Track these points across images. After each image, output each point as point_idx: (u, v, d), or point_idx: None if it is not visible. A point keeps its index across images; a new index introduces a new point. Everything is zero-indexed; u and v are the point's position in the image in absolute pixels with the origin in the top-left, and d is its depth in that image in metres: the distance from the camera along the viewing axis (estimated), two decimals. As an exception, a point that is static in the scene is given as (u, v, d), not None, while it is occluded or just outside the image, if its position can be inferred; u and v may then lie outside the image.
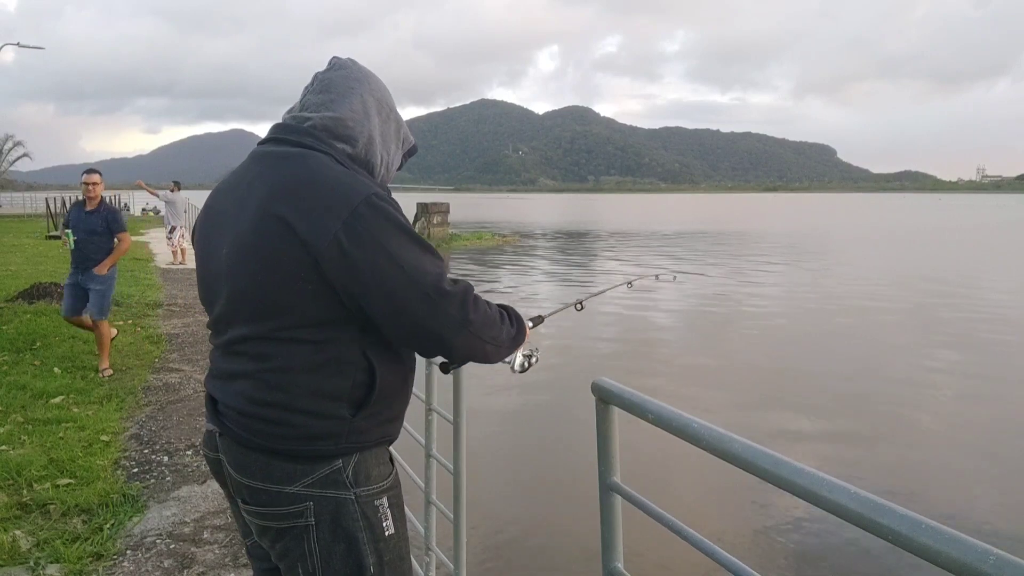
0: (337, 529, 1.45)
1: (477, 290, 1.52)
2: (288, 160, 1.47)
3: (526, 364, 1.91)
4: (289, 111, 1.61)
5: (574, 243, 34.63)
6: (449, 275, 1.46)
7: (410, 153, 1.77)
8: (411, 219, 25.63)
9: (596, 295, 3.19)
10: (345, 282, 1.37)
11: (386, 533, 1.50)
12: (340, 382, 1.44)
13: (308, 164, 1.45)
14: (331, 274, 1.37)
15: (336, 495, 1.45)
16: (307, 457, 1.44)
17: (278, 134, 1.54)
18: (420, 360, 2.96)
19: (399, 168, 1.73)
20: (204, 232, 1.58)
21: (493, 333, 1.52)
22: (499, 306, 1.61)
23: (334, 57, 1.64)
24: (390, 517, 1.52)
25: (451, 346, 1.45)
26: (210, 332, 1.60)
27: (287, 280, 1.39)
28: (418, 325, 1.40)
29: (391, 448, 1.65)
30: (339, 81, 1.58)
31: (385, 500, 1.52)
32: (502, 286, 18.22)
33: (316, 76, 1.61)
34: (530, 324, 1.85)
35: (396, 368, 1.53)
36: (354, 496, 1.46)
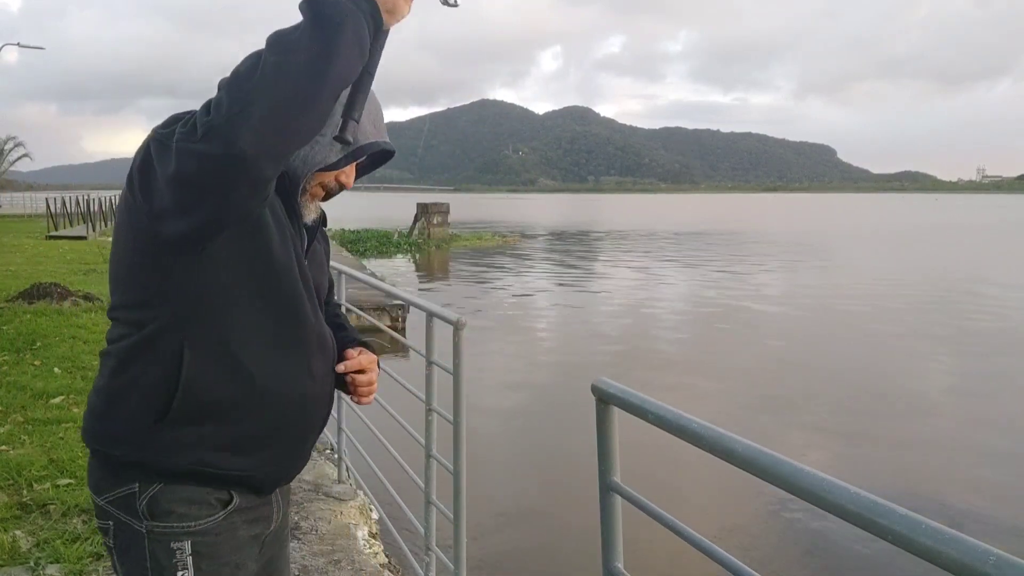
0: (126, 562, 1.24)
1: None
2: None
3: None
4: None
5: (574, 243, 34.62)
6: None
7: (360, 153, 1.33)
8: (411, 220, 25.19)
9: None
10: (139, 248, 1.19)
11: None
12: (147, 370, 1.19)
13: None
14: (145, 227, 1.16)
15: (130, 522, 1.22)
16: (112, 465, 1.23)
17: None
18: (419, 360, 2.96)
19: (336, 167, 1.32)
20: None
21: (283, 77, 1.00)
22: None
23: None
24: (190, 567, 1.22)
25: (239, 155, 1.00)
26: None
27: (121, 250, 1.23)
28: (192, 175, 1.04)
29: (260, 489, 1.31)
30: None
31: (187, 545, 1.22)
32: (502, 285, 18.22)
33: None
34: None
35: (232, 378, 1.21)
36: (145, 530, 1.21)
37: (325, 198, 1.38)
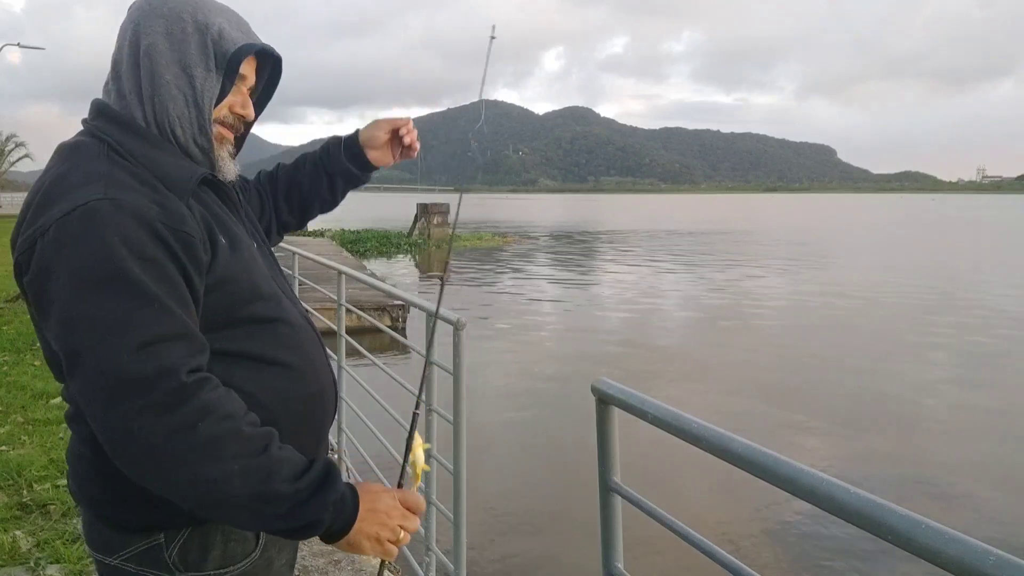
0: None
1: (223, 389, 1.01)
2: (52, 158, 1.12)
3: None
4: None
5: (574, 243, 34.62)
6: (192, 358, 0.98)
7: (232, 66, 1.14)
8: (411, 220, 24.97)
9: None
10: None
11: None
12: None
13: (57, 162, 1.08)
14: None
15: None
16: (118, 525, 1.11)
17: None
18: (419, 360, 2.97)
19: (223, 96, 1.15)
20: None
21: (207, 470, 0.95)
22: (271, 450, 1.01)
23: None
24: None
25: (124, 463, 0.97)
26: None
27: (30, 310, 1.08)
28: (92, 417, 0.97)
29: None
30: (123, 20, 1.15)
31: None
32: (503, 286, 18.23)
33: None
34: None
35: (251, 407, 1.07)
36: None
37: (234, 143, 1.23)
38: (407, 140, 1.48)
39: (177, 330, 0.98)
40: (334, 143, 1.52)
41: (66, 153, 1.08)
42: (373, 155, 1.49)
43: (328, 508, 1.01)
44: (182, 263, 1.01)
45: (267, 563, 1.18)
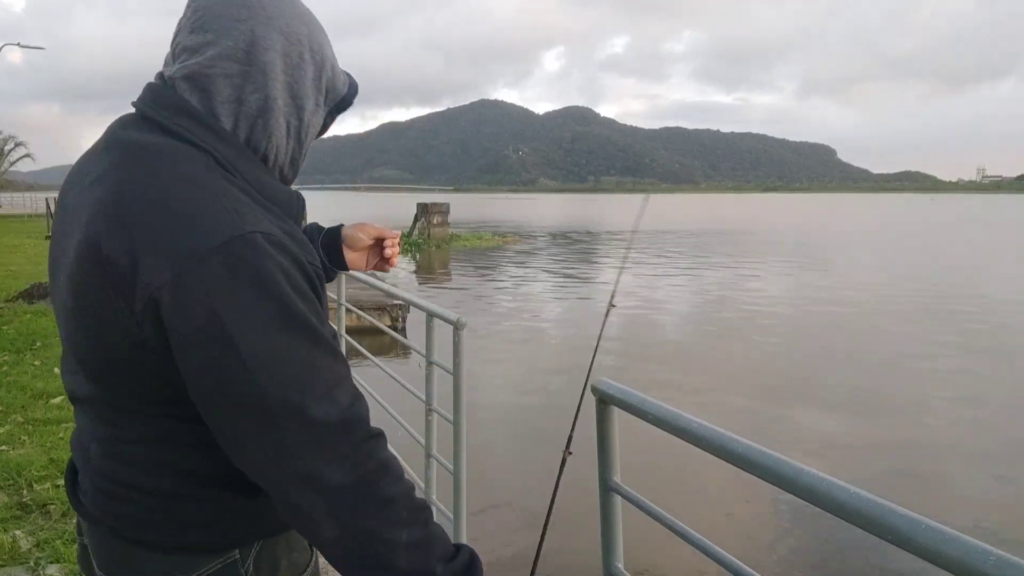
0: None
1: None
2: (136, 160, 0.94)
3: None
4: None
5: (574, 243, 34.62)
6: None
7: (341, 106, 1.12)
8: (411, 220, 24.97)
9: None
10: (172, 363, 0.90)
11: None
12: (212, 461, 0.98)
13: (159, 170, 0.92)
14: (152, 344, 0.90)
15: None
16: (184, 548, 1.03)
17: (144, 105, 0.99)
18: (419, 360, 2.97)
19: (323, 131, 1.13)
20: (55, 236, 1.03)
21: (379, 529, 0.92)
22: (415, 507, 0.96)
23: None
24: None
25: (294, 512, 0.91)
26: None
27: (113, 334, 0.93)
28: (261, 457, 0.90)
29: None
30: (218, 8, 0.98)
31: None
32: (503, 286, 18.22)
33: (189, 3, 1.02)
34: None
35: None
36: None
37: None
38: (387, 253, 1.43)
39: (347, 373, 0.94)
40: (314, 229, 1.43)
41: (157, 157, 0.94)
42: (349, 256, 1.42)
43: None
44: (319, 296, 0.97)
45: (315, 570, 1.18)
